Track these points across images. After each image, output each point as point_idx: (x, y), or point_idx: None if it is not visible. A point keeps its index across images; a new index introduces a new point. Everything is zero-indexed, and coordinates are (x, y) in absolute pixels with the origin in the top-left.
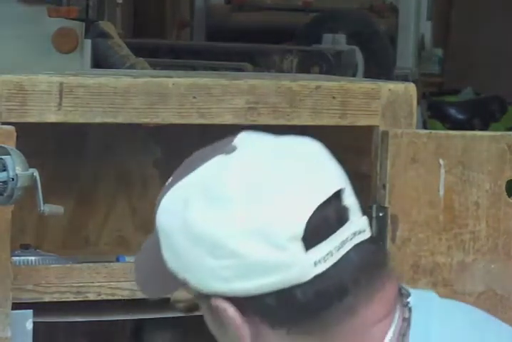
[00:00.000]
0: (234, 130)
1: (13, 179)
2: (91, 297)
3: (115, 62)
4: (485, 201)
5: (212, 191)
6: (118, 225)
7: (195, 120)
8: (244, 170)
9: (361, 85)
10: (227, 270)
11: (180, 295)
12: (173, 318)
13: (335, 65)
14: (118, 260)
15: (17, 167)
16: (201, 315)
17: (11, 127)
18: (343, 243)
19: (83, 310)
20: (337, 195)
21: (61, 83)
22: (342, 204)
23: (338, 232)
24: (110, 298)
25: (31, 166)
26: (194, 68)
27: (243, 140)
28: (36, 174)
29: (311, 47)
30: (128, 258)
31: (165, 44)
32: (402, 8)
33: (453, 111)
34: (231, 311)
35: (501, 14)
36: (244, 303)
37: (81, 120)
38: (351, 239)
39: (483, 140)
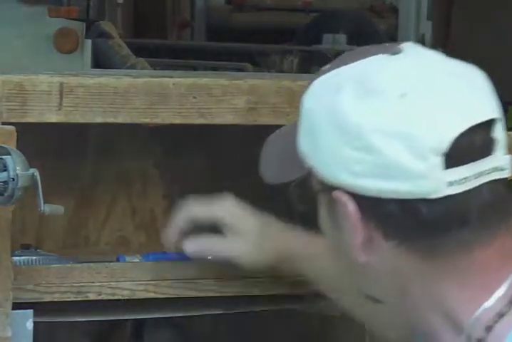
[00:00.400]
0: (234, 130)
1: (13, 179)
2: (92, 297)
3: (115, 62)
4: None
5: (368, 83)
6: (119, 225)
7: (195, 120)
8: (406, 72)
9: None
10: (360, 164)
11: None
12: (173, 318)
13: None
14: (118, 260)
15: (17, 167)
16: (201, 316)
17: (12, 127)
18: (480, 174)
19: (83, 310)
20: (489, 124)
21: (62, 83)
22: (491, 135)
23: (479, 162)
24: (110, 298)
25: (31, 166)
26: (194, 68)
27: (411, 47)
28: (37, 174)
29: (312, 47)
30: (128, 258)
31: (165, 44)
32: (402, 8)
33: None
34: (351, 206)
35: (501, 14)
36: (365, 204)
37: (81, 120)
38: (489, 173)
39: None
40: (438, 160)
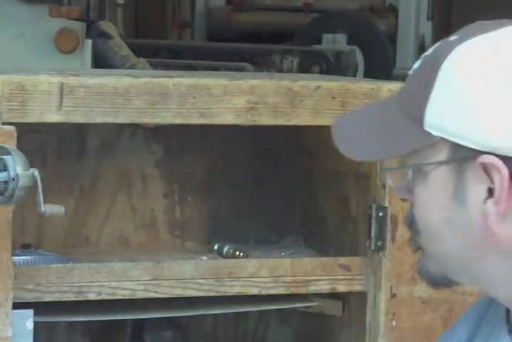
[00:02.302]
0: (234, 130)
1: (13, 179)
2: (92, 297)
3: (115, 62)
4: None
5: None
6: (119, 224)
7: (196, 120)
8: None
9: (361, 85)
10: None
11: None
12: (173, 318)
13: (335, 66)
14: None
15: (18, 167)
16: (201, 316)
17: (12, 127)
18: None
19: (84, 310)
20: None
21: (62, 83)
22: None
23: None
24: (110, 297)
25: (31, 166)
26: (194, 68)
27: None
28: (37, 174)
29: (312, 47)
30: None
31: (165, 44)
32: (402, 9)
33: None
34: (504, 171)
35: (501, 14)
36: None
37: (82, 120)
38: None
39: None
40: None
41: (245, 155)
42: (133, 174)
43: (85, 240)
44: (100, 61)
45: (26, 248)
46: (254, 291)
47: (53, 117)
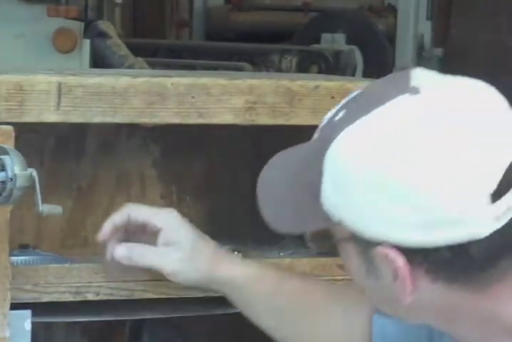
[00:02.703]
0: (233, 130)
1: (11, 179)
2: (90, 297)
3: (114, 62)
4: None
5: (407, 139)
6: None
7: (194, 119)
8: (439, 115)
9: (360, 85)
10: (407, 219)
11: (317, 233)
12: (172, 318)
13: (334, 65)
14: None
15: (16, 167)
16: (201, 316)
17: (10, 127)
18: None
19: (82, 310)
20: None
21: (60, 83)
22: None
23: None
24: (109, 298)
25: (29, 166)
26: (193, 68)
27: (424, 80)
28: (35, 174)
29: (311, 47)
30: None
31: (164, 44)
32: (401, 8)
33: None
34: (400, 261)
35: (501, 14)
36: (414, 254)
37: (80, 120)
38: None
39: None
40: (486, 200)
41: (244, 155)
42: (131, 174)
43: (84, 240)
44: (99, 61)
45: (23, 248)
46: None
47: (51, 117)
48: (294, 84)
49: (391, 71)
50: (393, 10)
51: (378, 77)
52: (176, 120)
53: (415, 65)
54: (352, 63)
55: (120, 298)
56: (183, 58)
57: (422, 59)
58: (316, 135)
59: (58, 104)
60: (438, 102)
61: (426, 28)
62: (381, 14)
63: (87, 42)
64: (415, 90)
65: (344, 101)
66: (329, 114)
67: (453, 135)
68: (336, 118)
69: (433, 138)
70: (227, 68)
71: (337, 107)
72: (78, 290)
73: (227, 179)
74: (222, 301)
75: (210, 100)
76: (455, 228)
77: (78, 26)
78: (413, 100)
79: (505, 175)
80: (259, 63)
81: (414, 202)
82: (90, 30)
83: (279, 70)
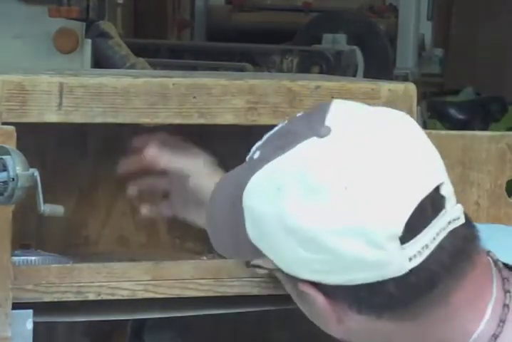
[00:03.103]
0: (233, 130)
1: (13, 179)
2: (91, 297)
3: (115, 62)
4: (485, 201)
5: (309, 181)
6: (119, 225)
7: (196, 120)
8: (342, 160)
9: (361, 85)
10: (319, 264)
11: (260, 262)
12: (173, 318)
13: (335, 65)
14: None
15: (17, 167)
16: (201, 316)
17: (11, 127)
18: (438, 234)
19: (83, 310)
20: (437, 188)
21: (61, 83)
22: (440, 194)
23: (433, 223)
24: (110, 297)
25: (31, 166)
26: (194, 68)
27: (336, 118)
28: (37, 174)
29: (311, 47)
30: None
31: (165, 44)
32: (402, 9)
33: (453, 111)
34: (320, 298)
35: (502, 14)
36: (333, 291)
37: (81, 120)
38: (445, 228)
39: (483, 139)
40: (396, 244)
41: (245, 155)
42: (133, 174)
43: (85, 240)
44: (100, 61)
45: (25, 248)
46: (254, 291)
47: (52, 117)
48: (295, 84)
49: (391, 71)
50: (394, 10)
51: (379, 77)
52: (177, 120)
53: (416, 65)
54: (353, 64)
55: (121, 298)
56: (184, 58)
57: (422, 59)
58: (245, 165)
59: (60, 104)
60: (345, 144)
61: (426, 28)
62: (382, 14)
63: (88, 42)
64: (326, 130)
65: (264, 138)
66: (252, 150)
67: (359, 177)
68: (252, 159)
69: (338, 181)
70: (228, 69)
71: (256, 145)
72: (80, 290)
73: None
74: (222, 301)
75: (211, 101)
76: (368, 271)
77: (79, 26)
78: (321, 142)
79: (412, 216)
80: (260, 64)
81: (322, 248)
82: (92, 31)
83: (280, 70)
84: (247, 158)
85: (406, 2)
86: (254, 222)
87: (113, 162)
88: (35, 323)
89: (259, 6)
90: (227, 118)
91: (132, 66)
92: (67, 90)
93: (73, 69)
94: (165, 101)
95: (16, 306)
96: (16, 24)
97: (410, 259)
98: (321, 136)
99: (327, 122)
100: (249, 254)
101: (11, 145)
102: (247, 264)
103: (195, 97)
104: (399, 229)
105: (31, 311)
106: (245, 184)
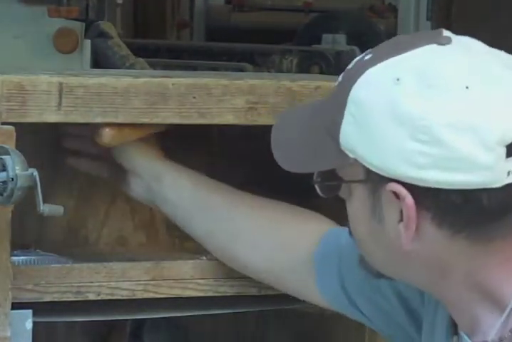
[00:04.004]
0: (233, 130)
1: (12, 179)
2: (91, 297)
3: (114, 62)
4: None
5: (429, 77)
6: (118, 225)
7: (195, 120)
8: (464, 65)
9: None
10: (425, 157)
11: (327, 174)
12: (172, 318)
13: (335, 65)
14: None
15: (17, 167)
16: (201, 316)
17: (11, 127)
18: None
19: (83, 310)
20: None
21: (61, 83)
22: None
23: None
24: (109, 297)
25: (30, 166)
26: (194, 68)
27: (454, 37)
28: (36, 174)
29: (311, 47)
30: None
31: (165, 44)
32: (402, 9)
33: None
34: (409, 199)
35: (501, 14)
36: (424, 195)
37: (81, 120)
38: None
39: None
40: (503, 151)
41: (245, 155)
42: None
43: (85, 240)
44: (100, 61)
45: (25, 248)
46: (254, 291)
47: (52, 117)
48: (295, 84)
49: None
50: (393, 10)
51: None
52: (177, 120)
53: None
54: None
55: (120, 298)
56: (184, 58)
57: None
58: (340, 78)
59: (59, 104)
60: (468, 52)
61: (426, 28)
62: (381, 14)
63: (88, 42)
64: (447, 40)
65: (370, 50)
66: (356, 58)
67: (480, 80)
68: (363, 60)
69: (459, 80)
70: (228, 69)
71: (365, 52)
72: (79, 290)
73: (227, 179)
74: (222, 301)
75: (211, 101)
76: (469, 173)
77: (79, 27)
78: (443, 48)
79: None
80: (260, 64)
81: (434, 139)
82: (91, 31)
83: (280, 70)
84: (343, 73)
85: (405, 2)
86: (359, 117)
87: (113, 162)
88: (35, 323)
89: (259, 6)
90: (227, 118)
91: (132, 66)
92: (67, 90)
93: (72, 69)
94: (165, 101)
95: (16, 306)
96: (16, 24)
97: (508, 173)
98: (442, 44)
99: (446, 34)
100: (333, 162)
101: (11, 145)
102: (316, 179)
103: (194, 97)
104: (509, 136)
105: (30, 311)
106: (350, 87)
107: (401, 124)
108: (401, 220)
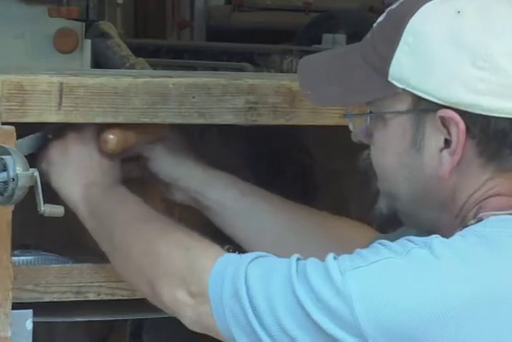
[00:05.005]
0: (233, 129)
1: (13, 179)
2: (91, 297)
3: (115, 62)
4: None
5: (489, 9)
6: None
7: (195, 120)
8: None
9: None
10: (483, 83)
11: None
12: (173, 318)
13: None
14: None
15: (17, 167)
16: None
17: (11, 127)
18: None
19: (83, 310)
20: None
21: (61, 83)
22: None
23: None
24: (109, 298)
25: (31, 166)
26: (194, 68)
27: None
28: (37, 174)
29: (312, 47)
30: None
31: (165, 44)
32: None
33: None
34: (462, 124)
35: None
36: (473, 122)
37: (82, 120)
38: None
39: None
40: None
41: (245, 155)
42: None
43: (85, 240)
44: (100, 61)
45: (25, 248)
46: None
47: (52, 117)
48: (295, 84)
49: None
50: None
51: None
52: (177, 120)
53: None
54: None
55: (120, 297)
56: (184, 58)
57: None
58: (381, 19)
59: (60, 104)
60: None
61: None
62: (381, 14)
63: (88, 42)
64: None
65: None
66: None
67: None
68: None
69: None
70: (228, 69)
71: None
72: (79, 290)
73: None
74: None
75: (211, 100)
76: None
77: (79, 27)
78: None
79: None
80: (260, 64)
81: (493, 67)
82: (92, 31)
83: (280, 70)
84: (386, 12)
85: None
86: (417, 46)
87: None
88: (35, 323)
89: (259, 5)
90: (226, 118)
91: (132, 66)
92: (67, 90)
93: (72, 69)
94: (165, 101)
95: (16, 306)
96: (17, 24)
97: None
98: None
99: None
100: (376, 93)
101: (11, 145)
102: (351, 113)
103: (194, 97)
104: None
105: (30, 311)
106: (405, 19)
107: (462, 51)
108: (445, 147)
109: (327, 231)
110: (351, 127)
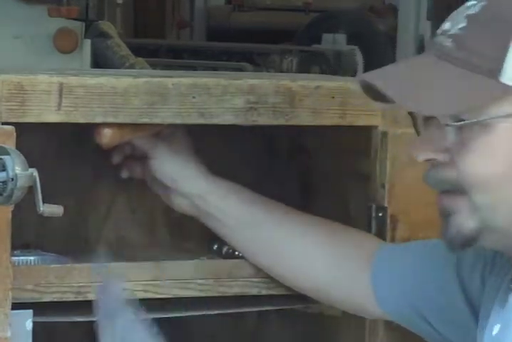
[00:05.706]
0: (233, 129)
1: (12, 179)
2: (91, 297)
3: (114, 62)
4: None
5: None
6: (118, 225)
7: (195, 120)
8: None
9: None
10: None
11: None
12: (173, 318)
13: (335, 66)
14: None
15: (17, 167)
16: (201, 316)
17: (11, 127)
18: None
19: (83, 310)
20: None
21: (61, 83)
22: None
23: None
24: None
25: (30, 166)
26: (194, 68)
27: None
28: (36, 174)
29: (311, 47)
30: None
31: (165, 44)
32: (402, 8)
33: None
34: None
35: None
36: None
37: (81, 120)
38: None
39: None
40: None
41: (245, 155)
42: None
43: (85, 240)
44: (100, 61)
45: (25, 248)
46: (254, 291)
47: (52, 117)
48: (295, 84)
49: None
50: (393, 10)
51: None
52: (177, 120)
53: None
54: (353, 64)
55: None
56: (184, 58)
57: None
58: (464, 24)
59: (59, 104)
60: None
61: (426, 28)
62: (381, 14)
63: (88, 42)
64: None
65: None
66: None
67: None
68: None
69: None
70: (228, 68)
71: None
72: (79, 290)
73: (227, 178)
74: (223, 301)
75: (211, 100)
76: None
77: (78, 26)
78: None
79: None
80: (260, 64)
81: None
82: (91, 31)
83: (280, 70)
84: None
85: (405, 2)
86: None
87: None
88: (35, 323)
89: (259, 5)
90: (226, 118)
91: (132, 66)
92: (67, 90)
93: (72, 69)
94: (165, 101)
95: (16, 306)
96: (16, 24)
97: None
98: None
99: None
100: (498, 92)
101: (11, 145)
102: (454, 120)
103: (194, 97)
104: None
105: (30, 311)
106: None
107: None
108: None
109: (331, 244)
110: (451, 138)
